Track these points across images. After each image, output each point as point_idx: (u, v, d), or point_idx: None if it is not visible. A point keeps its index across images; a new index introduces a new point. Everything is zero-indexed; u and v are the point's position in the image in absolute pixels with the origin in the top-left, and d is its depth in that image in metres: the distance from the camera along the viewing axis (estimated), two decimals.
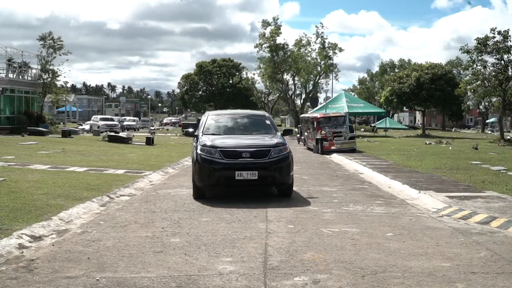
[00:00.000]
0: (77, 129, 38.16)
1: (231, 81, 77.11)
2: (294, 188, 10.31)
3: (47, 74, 36.05)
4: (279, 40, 53.13)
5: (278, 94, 64.62)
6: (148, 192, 10.64)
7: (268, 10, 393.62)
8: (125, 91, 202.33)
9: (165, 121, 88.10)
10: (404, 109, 73.58)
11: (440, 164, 16.15)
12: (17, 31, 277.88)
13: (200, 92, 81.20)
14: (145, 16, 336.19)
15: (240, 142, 9.69)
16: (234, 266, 5.25)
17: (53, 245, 6.05)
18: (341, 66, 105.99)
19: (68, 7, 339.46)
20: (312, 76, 55.75)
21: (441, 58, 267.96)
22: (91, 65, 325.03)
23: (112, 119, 51.92)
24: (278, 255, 5.71)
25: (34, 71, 38.06)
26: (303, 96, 58.87)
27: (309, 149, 26.49)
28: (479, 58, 32.10)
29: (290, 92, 58.18)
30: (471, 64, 32.77)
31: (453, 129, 75.43)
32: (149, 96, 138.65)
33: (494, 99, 39.99)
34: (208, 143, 9.57)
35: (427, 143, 30.32)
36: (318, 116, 26.00)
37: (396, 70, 76.76)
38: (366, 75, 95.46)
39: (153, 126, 62.07)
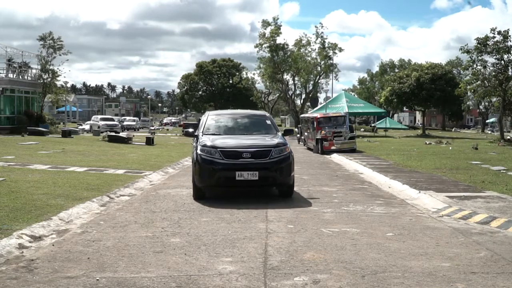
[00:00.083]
0: (77, 129, 38.16)
1: (231, 81, 77.15)
2: (294, 188, 10.29)
3: (47, 74, 36.06)
4: (279, 40, 53.27)
5: (278, 94, 64.70)
6: (148, 192, 10.64)
7: (268, 10, 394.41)
8: (125, 91, 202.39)
9: (165, 121, 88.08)
10: (404, 109, 73.61)
11: (440, 164, 16.15)
12: (17, 31, 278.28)
13: (200, 92, 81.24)
14: (145, 16, 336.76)
15: (241, 142, 9.62)
16: (234, 266, 5.25)
17: (53, 245, 6.05)
18: (341, 66, 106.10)
19: (68, 7, 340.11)
20: (312, 76, 55.79)
21: (441, 58, 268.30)
22: (91, 65, 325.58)
23: (112, 119, 51.91)
24: (278, 255, 5.71)
25: (34, 71, 38.11)
26: (303, 96, 58.92)
27: (309, 149, 26.49)
28: (479, 58, 32.09)
29: (290, 92, 58.27)
30: (471, 64, 32.75)
31: (453, 129, 75.43)
32: (149, 96, 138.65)
33: (494, 99, 39.95)
34: (208, 143, 9.50)
35: (427, 143, 30.32)
36: (318, 116, 26.00)
37: (396, 70, 76.76)
38: (366, 75, 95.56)
39: (153, 126, 62.07)
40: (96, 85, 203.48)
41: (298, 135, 32.11)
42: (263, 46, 52.96)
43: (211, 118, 11.13)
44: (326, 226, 7.25)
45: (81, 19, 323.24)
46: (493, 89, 32.54)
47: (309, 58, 54.40)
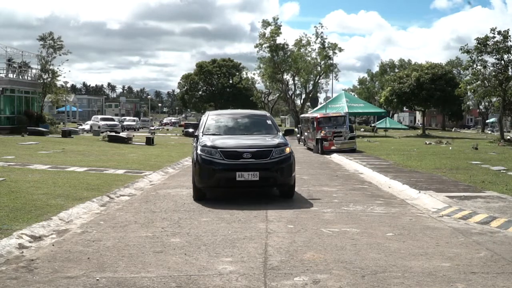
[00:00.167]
0: (77, 129, 38.16)
1: (231, 81, 77.18)
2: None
3: (47, 74, 36.07)
4: (279, 40, 53.29)
5: (278, 94, 64.71)
6: (148, 192, 10.64)
7: (268, 10, 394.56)
8: (125, 91, 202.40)
9: (165, 121, 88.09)
10: (404, 109, 73.61)
11: (440, 164, 16.15)
12: (17, 31, 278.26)
13: (200, 92, 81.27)
14: (145, 16, 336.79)
15: (241, 143, 9.54)
16: (234, 266, 5.25)
17: (53, 245, 6.05)
18: (341, 66, 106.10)
19: (68, 7, 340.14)
20: (312, 76, 55.80)
21: (441, 58, 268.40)
22: (91, 65, 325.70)
23: (112, 119, 51.91)
24: (278, 255, 5.71)
25: (34, 71, 38.11)
26: (303, 96, 58.92)
27: (309, 149, 26.49)
28: (479, 58, 32.09)
29: (290, 92, 58.28)
30: (471, 64, 32.76)
31: (453, 129, 75.44)
32: (149, 96, 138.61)
33: (494, 99, 39.94)
34: (209, 144, 9.43)
35: (427, 143, 30.32)
36: (318, 116, 26.00)
37: (396, 70, 76.76)
38: (366, 75, 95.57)
39: (153, 126, 62.06)
40: (96, 85, 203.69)
41: (298, 135, 32.12)
42: (263, 46, 53.00)
43: (211, 118, 11.05)
44: (326, 226, 7.25)
45: (81, 19, 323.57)
46: (493, 89, 32.55)
47: (309, 58, 54.43)
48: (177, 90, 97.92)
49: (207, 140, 9.65)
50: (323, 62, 53.87)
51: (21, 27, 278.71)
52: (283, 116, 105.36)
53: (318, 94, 59.67)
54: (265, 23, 53.18)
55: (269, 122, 11.06)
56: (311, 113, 35.81)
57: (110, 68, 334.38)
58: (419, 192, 10.39)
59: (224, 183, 9.27)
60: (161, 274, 4.96)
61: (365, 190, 11.26)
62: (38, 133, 29.22)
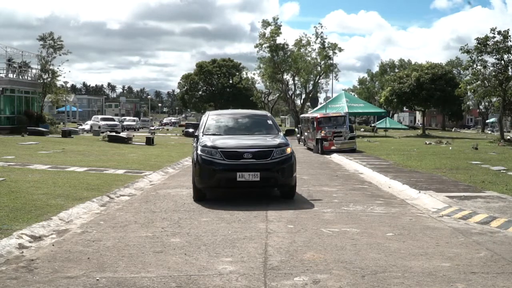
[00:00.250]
0: (77, 129, 38.16)
1: (231, 81, 77.17)
2: None
3: (47, 74, 36.06)
4: (279, 40, 53.27)
5: (278, 94, 64.69)
6: (148, 192, 10.64)
7: (268, 10, 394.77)
8: (125, 91, 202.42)
9: (165, 121, 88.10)
10: (404, 109, 73.61)
11: (440, 164, 16.15)
12: (17, 31, 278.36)
13: (200, 92, 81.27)
14: (145, 16, 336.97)
15: (242, 143, 9.46)
16: (234, 266, 5.25)
17: (53, 245, 6.05)
18: (341, 66, 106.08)
19: (68, 7, 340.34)
20: (312, 76, 55.79)
21: (441, 58, 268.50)
22: (91, 65, 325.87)
23: (113, 119, 51.94)
24: (278, 255, 5.71)
25: (34, 71, 38.09)
26: (303, 96, 58.91)
27: (309, 149, 26.49)
28: (479, 58, 32.09)
29: (290, 92, 58.26)
30: (471, 64, 32.76)
31: (453, 129, 75.45)
32: (149, 96, 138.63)
33: (494, 99, 39.94)
34: (209, 144, 9.36)
35: (427, 143, 30.32)
36: (318, 116, 26.00)
37: (396, 70, 76.77)
38: (366, 75, 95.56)
39: (153, 126, 62.06)
40: (96, 85, 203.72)
41: (298, 135, 32.13)
42: (263, 46, 52.99)
43: (211, 118, 10.98)
44: (326, 226, 7.25)
45: (81, 19, 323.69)
46: (493, 89, 32.54)
47: (309, 58, 54.42)
48: (177, 90, 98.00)
49: (207, 140, 9.59)
50: (323, 62, 53.86)
51: (21, 27, 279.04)
52: (283, 116, 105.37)
53: (318, 94, 59.72)
54: (265, 23, 53.19)
55: (269, 122, 11.00)
56: (311, 113, 35.81)
57: (110, 68, 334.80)
58: (419, 192, 10.39)
59: (225, 184, 9.21)
60: (161, 274, 4.96)
61: (365, 190, 11.26)
62: (38, 133, 29.22)
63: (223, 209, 8.54)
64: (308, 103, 57.42)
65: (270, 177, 9.20)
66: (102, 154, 18.89)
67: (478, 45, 31.59)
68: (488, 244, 6.31)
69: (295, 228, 7.12)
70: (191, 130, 11.68)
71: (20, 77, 36.88)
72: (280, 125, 66.30)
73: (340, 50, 53.67)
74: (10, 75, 35.34)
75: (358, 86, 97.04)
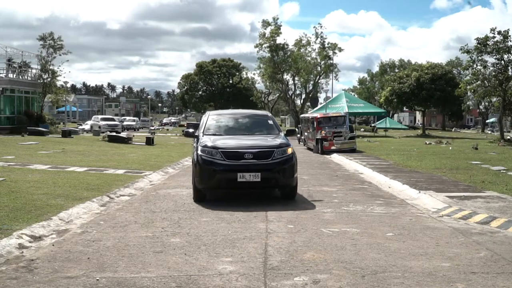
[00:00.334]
0: (77, 129, 38.16)
1: (231, 81, 77.18)
2: None
3: (47, 74, 36.07)
4: (279, 40, 53.27)
5: (278, 94, 64.69)
6: (148, 192, 10.64)
7: (268, 10, 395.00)
8: (125, 91, 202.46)
9: (164, 121, 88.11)
10: (404, 109, 73.61)
11: (440, 164, 16.15)
12: (17, 31, 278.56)
13: (200, 92, 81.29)
14: (145, 16, 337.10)
15: (242, 143, 9.38)
16: (234, 266, 5.24)
17: (53, 245, 6.05)
18: (341, 66, 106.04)
19: (68, 7, 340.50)
20: (312, 76, 55.77)
21: (441, 58, 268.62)
22: (91, 65, 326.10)
23: (113, 119, 51.99)
24: (278, 255, 5.71)
25: (34, 71, 38.09)
26: (303, 96, 58.90)
27: (309, 149, 26.49)
28: (479, 58, 32.09)
29: (290, 92, 58.25)
30: (471, 64, 32.76)
31: (453, 129, 75.45)
32: (149, 96, 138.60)
33: (494, 99, 39.95)
34: (209, 144, 9.28)
35: (427, 143, 30.32)
36: (318, 116, 26.00)
37: (396, 70, 76.77)
38: (366, 75, 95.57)
39: (153, 126, 62.07)
40: (96, 85, 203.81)
41: (298, 135, 32.14)
42: (263, 46, 52.98)
43: (211, 118, 10.89)
44: (326, 226, 7.24)
45: (81, 19, 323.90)
46: (493, 89, 32.54)
47: (309, 58, 54.40)
48: (177, 90, 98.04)
49: (207, 141, 9.51)
50: (323, 62, 53.85)
51: (21, 27, 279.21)
52: (283, 116, 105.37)
53: (318, 94, 59.69)
54: (265, 23, 53.18)
55: (270, 122, 10.92)
56: (311, 113, 35.81)
57: (110, 68, 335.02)
58: (419, 192, 10.39)
59: (225, 184, 9.13)
60: (161, 274, 4.96)
61: (365, 190, 11.26)
62: (38, 133, 29.22)
63: (223, 209, 8.54)
64: (308, 103, 57.40)
65: (271, 177, 9.13)
66: (102, 154, 18.89)
67: (478, 45, 31.59)
68: (488, 244, 6.31)
69: (295, 228, 7.12)
70: (191, 130, 11.59)
71: (20, 77, 36.89)
72: (280, 125, 66.35)
73: (340, 50, 53.72)
74: (10, 75, 35.34)
75: (358, 86, 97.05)
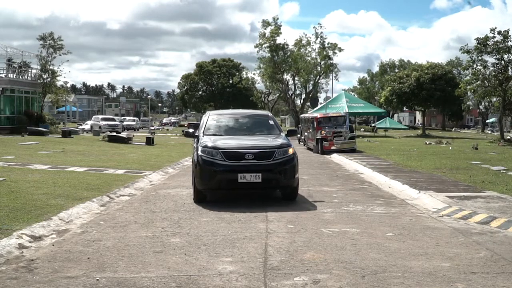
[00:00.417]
0: (77, 129, 38.17)
1: (231, 81, 77.19)
2: None
3: (47, 74, 36.07)
4: (279, 40, 53.29)
5: (278, 94, 64.69)
6: (148, 192, 10.64)
7: (268, 10, 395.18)
8: (125, 91, 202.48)
9: (164, 121, 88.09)
10: (404, 109, 73.62)
11: (440, 164, 16.14)
12: (17, 31, 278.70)
13: (200, 92, 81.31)
14: (145, 16, 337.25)
15: (243, 143, 9.31)
16: (234, 266, 5.25)
17: (53, 245, 6.05)
18: (341, 66, 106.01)
19: (68, 7, 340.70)
20: (312, 76, 55.78)
21: (441, 58, 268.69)
22: (91, 65, 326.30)
23: (113, 119, 52.04)
24: (278, 255, 5.71)
25: (34, 71, 38.09)
26: (303, 96, 58.90)
27: (309, 149, 26.49)
28: (479, 58, 32.09)
29: (290, 92, 58.26)
30: (471, 64, 32.75)
31: (453, 129, 75.45)
32: (149, 96, 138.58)
33: (494, 99, 39.95)
34: (210, 144, 9.21)
35: (427, 143, 30.32)
36: (318, 116, 25.99)
37: (396, 70, 76.77)
38: (366, 75, 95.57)
39: (153, 126, 62.07)
40: (96, 85, 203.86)
41: (298, 135, 32.14)
42: (263, 46, 52.98)
43: (212, 118, 10.81)
44: (326, 226, 7.24)
45: (81, 19, 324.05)
46: (493, 89, 32.54)
47: (309, 58, 54.40)
48: (177, 90, 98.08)
49: (208, 141, 9.44)
50: (323, 62, 53.85)
51: (21, 27, 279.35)
52: (283, 116, 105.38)
53: (318, 94, 59.68)
54: (265, 23, 53.19)
55: (271, 122, 10.85)
56: (311, 113, 35.81)
57: (110, 68, 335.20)
58: (419, 192, 10.39)
59: (226, 185, 9.05)
60: (161, 274, 4.96)
61: (365, 190, 11.26)
62: (38, 133, 29.22)
63: (223, 209, 8.53)
64: (308, 103, 57.39)
65: (272, 178, 9.06)
66: (102, 154, 18.89)
67: (478, 45, 31.58)
68: (488, 244, 6.31)
69: (295, 228, 7.12)
70: (191, 130, 11.54)
71: (20, 77, 36.88)
72: (280, 125, 66.42)
73: (340, 50, 53.74)
74: (10, 75, 35.34)
75: (358, 86, 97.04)
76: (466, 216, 8.02)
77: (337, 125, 24.77)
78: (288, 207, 8.85)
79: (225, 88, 77.49)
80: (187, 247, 6.02)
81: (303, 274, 4.99)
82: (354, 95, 75.30)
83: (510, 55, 31.29)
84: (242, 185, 8.90)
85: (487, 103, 65.10)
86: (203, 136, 9.95)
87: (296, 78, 57.15)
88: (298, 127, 34.46)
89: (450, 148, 25.42)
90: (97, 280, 4.77)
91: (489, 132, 66.34)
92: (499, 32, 31.02)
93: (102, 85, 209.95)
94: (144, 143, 26.54)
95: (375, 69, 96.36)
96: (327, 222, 7.56)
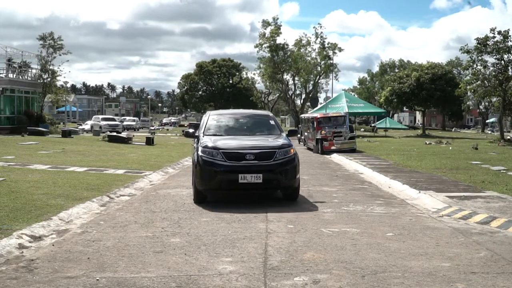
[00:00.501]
0: (77, 129, 38.17)
1: (231, 81, 77.20)
2: None
3: (47, 74, 36.07)
4: (279, 40, 53.26)
5: (278, 94, 64.66)
6: (148, 192, 10.64)
7: (268, 10, 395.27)
8: (125, 91, 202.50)
9: (164, 121, 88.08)
10: (404, 109, 73.62)
11: (440, 164, 16.14)
12: (17, 31, 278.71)
13: (200, 92, 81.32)
14: (145, 16, 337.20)
15: (244, 143, 9.25)
16: (234, 266, 5.25)
17: (53, 245, 6.05)
18: (341, 66, 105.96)
19: (68, 7, 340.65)
20: (312, 76, 55.76)
21: (440, 58, 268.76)
22: (91, 65, 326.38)
23: (114, 119, 52.05)
24: (278, 255, 5.71)
25: (34, 71, 38.09)
26: (303, 96, 58.88)
27: (309, 149, 26.49)
28: (479, 58, 32.10)
29: (290, 92, 58.24)
30: (471, 64, 32.75)
31: (453, 129, 75.45)
32: (149, 96, 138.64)
33: (494, 99, 39.95)
34: (210, 145, 9.15)
35: (427, 143, 30.32)
36: (318, 116, 26.00)
37: (396, 70, 76.77)
38: (366, 75, 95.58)
39: (153, 126, 62.08)
40: (96, 85, 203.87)
41: (299, 135, 32.15)
42: (263, 46, 52.97)
43: (212, 118, 10.74)
44: (326, 226, 7.24)
45: (81, 19, 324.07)
46: (493, 89, 32.54)
47: (309, 58, 54.38)
48: (177, 90, 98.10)
49: (208, 141, 9.38)
50: (323, 62, 53.83)
51: (21, 27, 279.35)
52: (283, 116, 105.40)
53: (318, 94, 59.67)
54: (265, 23, 53.18)
55: (272, 122, 10.78)
56: (311, 113, 35.82)
57: (110, 68, 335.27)
58: (419, 192, 10.39)
59: (226, 186, 8.97)
60: (161, 274, 4.96)
61: (365, 190, 11.26)
62: (38, 133, 29.22)
63: (223, 209, 8.53)
64: (308, 103, 57.39)
65: (272, 179, 9.00)
66: (102, 154, 18.89)
67: (478, 45, 31.59)
68: (488, 244, 6.31)
69: (295, 228, 7.12)
70: (191, 130, 11.51)
71: (20, 77, 36.88)
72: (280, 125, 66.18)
73: (340, 50, 53.69)
74: (10, 75, 35.34)
75: (358, 86, 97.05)
76: (466, 216, 8.02)
77: (337, 125, 24.77)
78: (288, 207, 8.84)
79: (225, 88, 77.49)
80: (187, 247, 6.02)
81: (303, 274, 4.99)
82: (354, 95, 75.30)
83: (510, 55, 31.30)
84: (242, 185, 8.82)
85: (487, 103, 65.10)
86: (203, 136, 9.90)
87: (296, 78, 57.14)
88: (298, 127, 34.47)
89: (450, 148, 25.42)
90: (97, 280, 4.77)
91: (489, 132, 66.34)
92: (499, 32, 31.03)
93: (102, 85, 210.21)
94: (144, 143, 26.54)
95: (375, 69, 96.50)
96: (327, 222, 7.56)
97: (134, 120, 63.19)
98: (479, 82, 33.23)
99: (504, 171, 14.15)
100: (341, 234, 6.76)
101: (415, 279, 4.87)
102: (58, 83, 37.74)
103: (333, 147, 23.43)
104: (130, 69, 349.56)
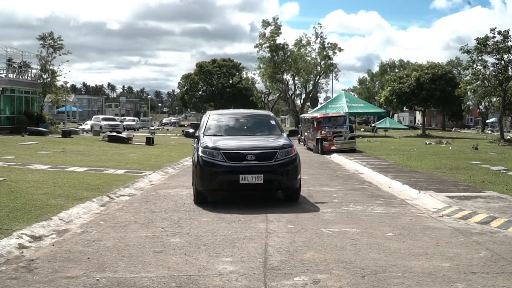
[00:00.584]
0: (77, 129, 38.18)
1: (231, 81, 77.22)
2: None
3: (47, 74, 36.07)
4: (279, 40, 53.35)
5: (278, 94, 64.71)
6: (148, 192, 10.63)
7: (268, 10, 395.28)
8: (125, 91, 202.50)
9: (164, 121, 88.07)
10: (404, 109, 73.61)
11: (440, 164, 16.14)
12: (17, 31, 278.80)
13: (200, 92, 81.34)
14: (145, 16, 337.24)
15: (244, 144, 9.19)
16: (234, 266, 5.25)
17: (53, 245, 6.05)
18: (341, 66, 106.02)
19: (68, 7, 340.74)
20: (312, 76, 55.81)
21: (440, 58, 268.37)
22: (91, 65, 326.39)
23: (114, 119, 52.06)
24: (278, 255, 5.71)
25: (34, 71, 38.09)
26: (303, 96, 58.93)
27: (309, 149, 26.49)
28: (479, 58, 32.10)
29: (290, 92, 58.29)
30: (471, 64, 32.76)
31: (453, 129, 75.45)
32: (149, 96, 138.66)
33: (494, 99, 39.94)
34: (210, 145, 9.09)
35: (427, 143, 30.32)
36: (318, 116, 26.00)
37: (396, 70, 76.77)
38: (366, 75, 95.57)
39: (153, 126, 62.09)
40: (96, 85, 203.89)
41: (299, 135, 32.14)
42: (263, 46, 53.04)
43: (212, 118, 10.66)
44: (326, 226, 7.24)
45: (81, 19, 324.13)
46: (493, 89, 32.54)
47: (309, 58, 54.44)
48: (177, 90, 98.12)
49: (208, 141, 9.30)
50: (323, 62, 53.88)
51: (21, 27, 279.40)
52: (283, 116, 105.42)
53: (318, 94, 59.71)
54: (265, 23, 53.24)
55: (272, 122, 10.70)
56: (311, 113, 35.82)
57: (110, 68, 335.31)
58: (419, 192, 10.39)
59: (227, 186, 8.91)
60: (161, 274, 4.96)
61: (365, 190, 11.26)
62: (38, 133, 29.22)
63: (223, 209, 8.53)
64: (308, 103, 57.40)
65: (273, 179, 8.93)
66: (102, 154, 18.89)
67: (478, 45, 31.59)
68: (488, 244, 6.31)
69: (295, 228, 7.12)
70: (191, 130, 11.44)
71: (20, 77, 36.88)
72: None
73: (340, 50, 53.80)
74: (10, 75, 35.34)
75: (358, 86, 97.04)
76: (466, 216, 8.02)
77: (337, 125, 24.78)
78: (288, 207, 8.84)
79: (225, 88, 77.52)
80: (187, 247, 6.02)
81: (303, 274, 4.99)
82: (354, 95, 75.29)
83: (510, 55, 31.31)
84: (243, 186, 8.75)
85: (487, 103, 65.08)
86: (203, 137, 9.82)
87: (296, 78, 57.20)
88: (298, 127, 34.47)
89: (450, 148, 25.42)
90: (97, 280, 4.77)
91: (489, 132, 66.35)
92: (499, 32, 31.04)
93: (102, 85, 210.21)
94: (144, 143, 26.54)
95: (375, 69, 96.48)
96: (327, 222, 7.56)
97: (134, 120, 63.19)
98: (479, 82, 33.23)
99: (504, 171, 14.15)
100: (341, 234, 6.76)
101: (415, 279, 4.87)
102: (58, 83, 37.78)
103: (333, 147, 23.43)
104: (130, 69, 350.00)
